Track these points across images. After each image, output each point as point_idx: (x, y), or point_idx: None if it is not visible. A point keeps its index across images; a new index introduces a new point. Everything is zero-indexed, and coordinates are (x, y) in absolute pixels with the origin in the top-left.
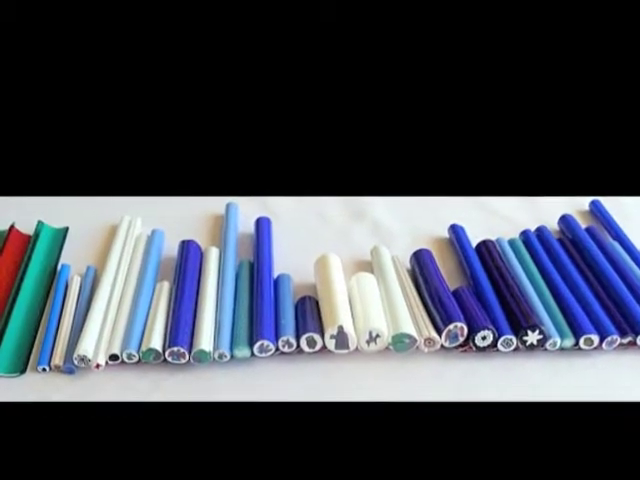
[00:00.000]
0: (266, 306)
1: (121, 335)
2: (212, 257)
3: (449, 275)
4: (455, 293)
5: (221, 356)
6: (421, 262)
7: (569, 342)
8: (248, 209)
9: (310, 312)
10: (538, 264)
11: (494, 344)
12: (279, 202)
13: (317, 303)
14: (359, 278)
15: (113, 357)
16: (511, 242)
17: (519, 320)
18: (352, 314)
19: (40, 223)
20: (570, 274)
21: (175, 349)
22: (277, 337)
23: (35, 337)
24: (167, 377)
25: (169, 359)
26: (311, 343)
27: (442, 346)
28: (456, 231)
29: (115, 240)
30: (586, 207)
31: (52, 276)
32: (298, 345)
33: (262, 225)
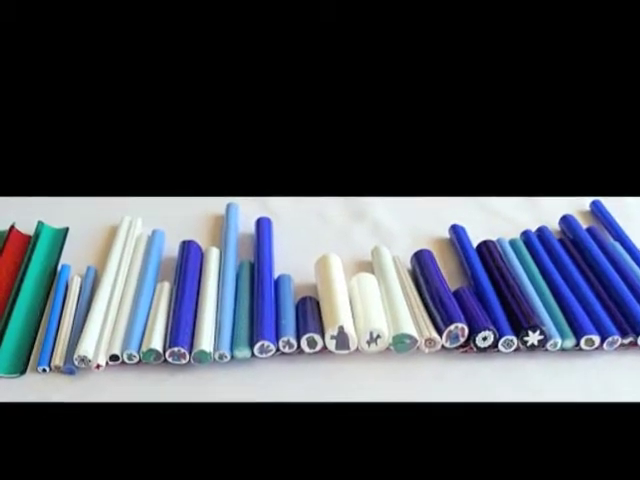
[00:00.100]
0: (266, 306)
1: (121, 335)
2: (212, 257)
3: (450, 275)
4: (456, 293)
5: (221, 356)
6: (422, 262)
7: (570, 342)
8: (248, 209)
9: (311, 312)
10: (539, 264)
11: (495, 345)
12: (279, 202)
13: (318, 303)
14: (360, 278)
15: (113, 358)
16: (512, 242)
17: (520, 320)
18: (353, 314)
19: (40, 223)
20: (571, 274)
21: (175, 349)
22: (277, 337)
23: (35, 337)
24: (167, 378)
25: (169, 360)
26: (312, 343)
27: (443, 347)
28: (457, 231)
29: (115, 240)
30: (587, 207)
31: (52, 276)
32: (299, 346)
33: (262, 225)
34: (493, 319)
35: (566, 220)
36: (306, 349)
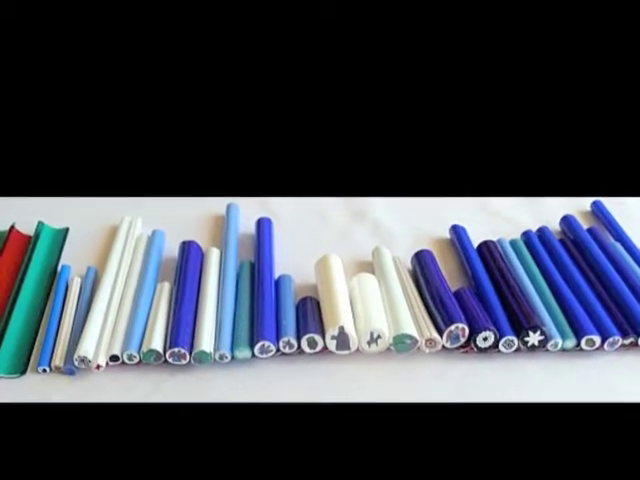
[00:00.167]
0: (267, 307)
1: (122, 336)
2: (213, 258)
3: (450, 276)
4: (456, 294)
5: (222, 357)
6: (422, 263)
7: (571, 343)
8: (249, 210)
9: (311, 313)
10: (539, 265)
11: (495, 345)
12: (280, 202)
13: (318, 304)
14: (360, 279)
15: (114, 358)
16: (512, 243)
17: (520, 321)
18: (353, 315)
19: (40, 224)
20: (572, 275)
21: (176, 350)
22: (278, 338)
23: (35, 338)
24: (168, 378)
25: (170, 360)
26: (312, 344)
27: (443, 347)
28: (457, 232)
29: (116, 241)
30: (588, 208)
31: (52, 277)
32: (299, 346)
33: (263, 226)
34: (494, 319)
35: (567, 220)
36: (306, 349)
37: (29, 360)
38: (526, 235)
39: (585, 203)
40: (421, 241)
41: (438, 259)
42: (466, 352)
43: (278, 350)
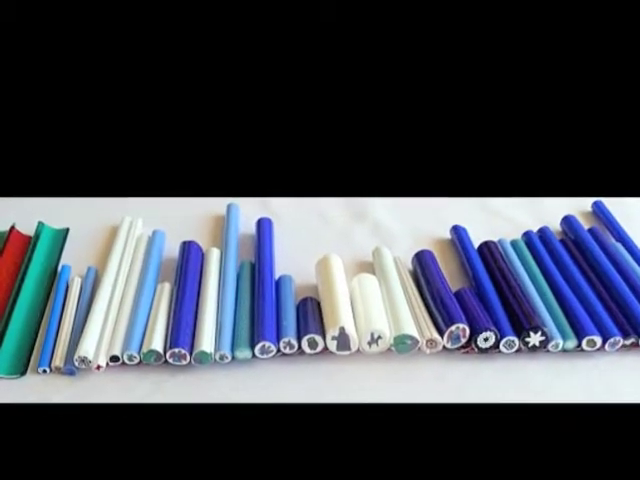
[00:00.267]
0: (267, 307)
1: (122, 336)
2: (213, 258)
3: (451, 276)
4: (457, 294)
5: (222, 357)
6: (423, 263)
7: (571, 343)
8: (249, 210)
9: (312, 313)
10: (540, 265)
11: (496, 345)
12: (280, 203)
13: (318, 304)
14: (361, 279)
15: (114, 358)
16: (513, 243)
17: (521, 321)
18: (354, 315)
19: (40, 224)
20: (572, 275)
21: (176, 350)
22: (278, 338)
23: (35, 338)
24: (168, 378)
25: (170, 360)
26: (312, 344)
27: (444, 347)
28: (458, 232)
29: (116, 241)
30: (589, 208)
31: (53, 277)
32: (299, 346)
33: (263, 226)
34: (494, 320)
35: (568, 221)
36: (307, 350)
37: (29, 361)
38: (527, 235)
39: (586, 203)
40: (422, 241)
41: (439, 259)
42: (467, 353)
43: (279, 350)
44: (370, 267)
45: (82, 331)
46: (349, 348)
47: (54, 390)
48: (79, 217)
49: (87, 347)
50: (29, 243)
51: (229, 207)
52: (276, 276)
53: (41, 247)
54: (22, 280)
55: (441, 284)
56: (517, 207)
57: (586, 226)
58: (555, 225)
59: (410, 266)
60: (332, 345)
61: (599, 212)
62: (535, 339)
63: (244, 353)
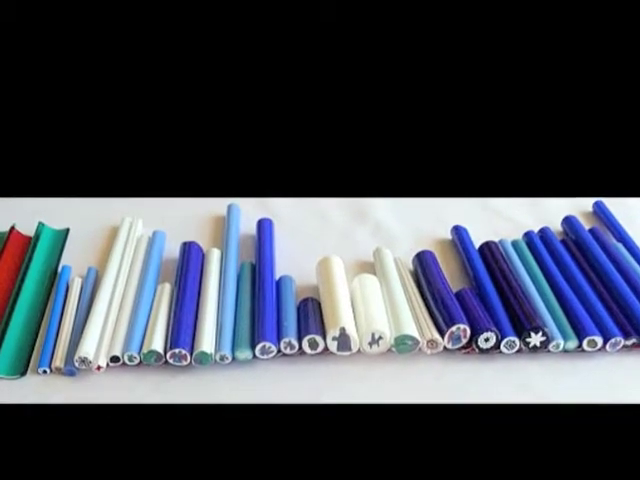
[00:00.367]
0: (268, 308)
1: (122, 337)
2: (214, 259)
3: (452, 277)
4: (458, 295)
5: (223, 358)
6: (424, 263)
7: (572, 344)
8: (250, 210)
9: (312, 314)
10: (541, 265)
11: (497, 346)
12: (281, 203)
13: (319, 305)
14: (361, 279)
15: (114, 359)
16: (514, 243)
17: (522, 322)
18: (354, 316)
19: (41, 224)
20: (573, 275)
21: (176, 351)
22: (279, 339)
23: (36, 339)
24: (168, 379)
25: (170, 361)
26: (313, 345)
27: (445, 348)
28: (459, 232)
29: (116, 241)
30: (589, 208)
31: (53, 278)
32: (300, 347)
33: (264, 226)
34: (495, 320)
35: (568, 221)
36: (307, 350)
37: (29, 361)
38: (528, 236)
39: (587, 204)
40: (422, 242)
41: (439, 260)
42: (467, 353)
43: (279, 351)
44: (371, 267)
45: (82, 331)
46: (350, 349)
47: (54, 390)
48: (79, 217)
49: (87, 348)
50: (29, 243)
51: (229, 207)
52: (277, 277)
53: (41, 248)
54: (22, 281)
55: (442, 284)
56: (518, 207)
57: (587, 226)
58: (556, 225)
59: (411, 266)
60: (333, 346)
61: (600, 212)
62: (536, 339)
63: (245, 353)
